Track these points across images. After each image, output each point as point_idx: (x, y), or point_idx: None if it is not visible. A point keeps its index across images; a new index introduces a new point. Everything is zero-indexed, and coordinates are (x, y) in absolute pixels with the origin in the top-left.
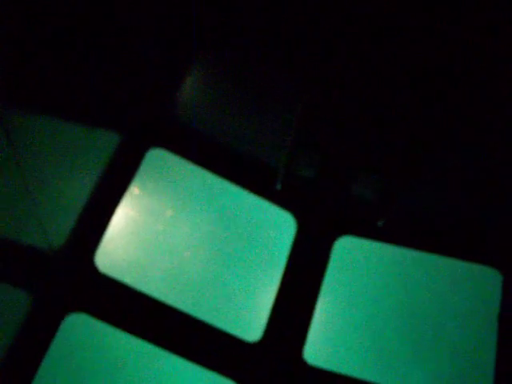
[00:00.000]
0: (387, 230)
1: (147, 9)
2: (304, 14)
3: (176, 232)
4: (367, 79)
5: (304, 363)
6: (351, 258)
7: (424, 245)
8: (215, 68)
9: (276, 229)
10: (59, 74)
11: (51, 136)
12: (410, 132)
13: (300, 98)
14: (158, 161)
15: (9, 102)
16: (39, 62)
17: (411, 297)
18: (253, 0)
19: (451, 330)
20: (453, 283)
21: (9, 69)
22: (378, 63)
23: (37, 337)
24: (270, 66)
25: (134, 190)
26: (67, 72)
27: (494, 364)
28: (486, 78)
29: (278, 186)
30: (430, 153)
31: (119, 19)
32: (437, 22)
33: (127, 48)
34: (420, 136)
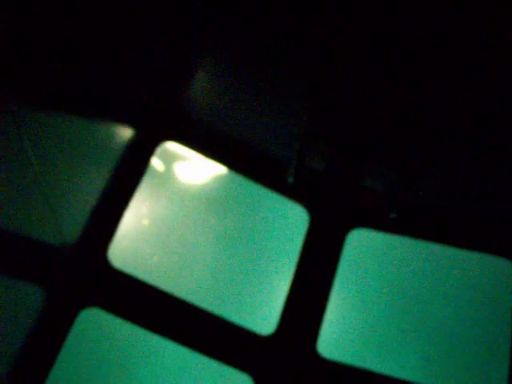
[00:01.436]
0: (400, 222)
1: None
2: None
3: (188, 226)
4: (376, 71)
5: (318, 356)
6: (364, 250)
7: (436, 236)
8: (223, 64)
9: (288, 222)
10: (69, 71)
11: (63, 131)
12: (420, 126)
13: (310, 91)
14: (170, 154)
15: (20, 96)
16: (50, 59)
17: (424, 289)
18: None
19: (465, 320)
20: (466, 274)
21: (20, 64)
22: (383, 57)
23: (51, 332)
24: (278, 63)
25: (146, 184)
26: (77, 69)
27: (508, 354)
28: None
29: (290, 179)
30: (442, 144)
31: (124, 18)
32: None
33: (134, 46)
34: (431, 129)
